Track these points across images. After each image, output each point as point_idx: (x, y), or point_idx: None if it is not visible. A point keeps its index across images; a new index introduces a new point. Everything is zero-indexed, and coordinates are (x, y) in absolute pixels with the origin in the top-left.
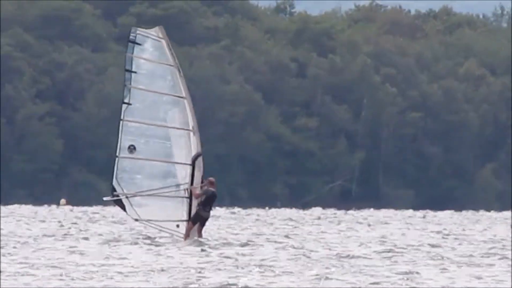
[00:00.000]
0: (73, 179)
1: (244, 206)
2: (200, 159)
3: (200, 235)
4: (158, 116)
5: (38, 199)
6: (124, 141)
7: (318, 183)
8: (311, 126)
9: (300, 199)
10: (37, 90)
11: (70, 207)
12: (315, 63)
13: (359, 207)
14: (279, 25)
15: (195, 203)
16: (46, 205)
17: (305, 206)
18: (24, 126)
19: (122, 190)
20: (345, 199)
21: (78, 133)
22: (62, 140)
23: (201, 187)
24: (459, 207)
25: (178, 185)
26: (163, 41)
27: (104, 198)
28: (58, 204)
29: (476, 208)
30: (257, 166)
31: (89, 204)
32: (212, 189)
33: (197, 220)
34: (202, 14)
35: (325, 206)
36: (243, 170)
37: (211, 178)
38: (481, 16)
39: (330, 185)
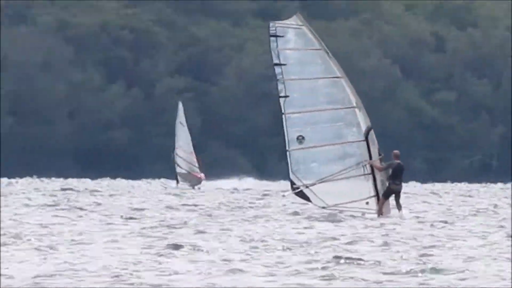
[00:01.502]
0: (212, 154)
1: None
2: (372, 133)
3: (399, 207)
4: (318, 101)
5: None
6: (291, 133)
7: (458, 157)
8: (450, 101)
9: (439, 173)
10: (176, 65)
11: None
12: (454, 37)
13: (500, 181)
14: None
15: (379, 177)
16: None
17: (445, 181)
18: (163, 101)
19: (301, 181)
20: (486, 174)
21: (216, 108)
22: (200, 115)
23: (380, 160)
24: None
25: (358, 164)
26: (304, 28)
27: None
28: None
29: None
30: (396, 140)
31: (228, 178)
32: (397, 161)
33: (389, 194)
34: None
35: (464, 180)
36: (382, 145)
37: (395, 151)
38: None
39: (470, 160)
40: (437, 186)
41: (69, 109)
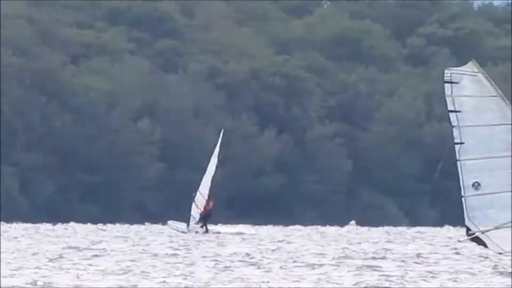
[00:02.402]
0: (362, 200)
1: None
2: None
3: None
4: (495, 148)
5: (327, 220)
6: (467, 180)
7: None
8: None
9: None
10: (325, 111)
11: (360, 228)
12: None
13: None
14: None
15: None
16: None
17: None
18: (314, 147)
19: (477, 227)
20: None
21: (367, 153)
22: (351, 160)
23: None
24: None
25: None
26: (480, 75)
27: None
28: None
29: None
30: None
31: (379, 225)
32: None
33: None
34: (493, 34)
35: None
36: None
37: None
38: None
39: None
40: None
41: (220, 155)
